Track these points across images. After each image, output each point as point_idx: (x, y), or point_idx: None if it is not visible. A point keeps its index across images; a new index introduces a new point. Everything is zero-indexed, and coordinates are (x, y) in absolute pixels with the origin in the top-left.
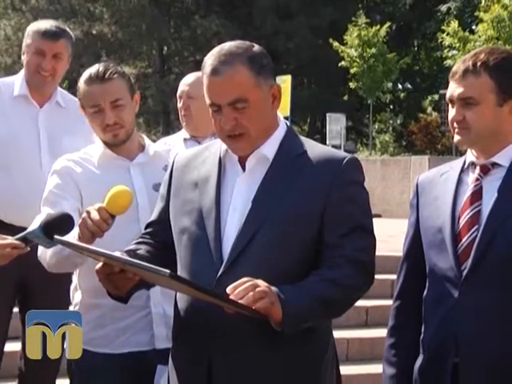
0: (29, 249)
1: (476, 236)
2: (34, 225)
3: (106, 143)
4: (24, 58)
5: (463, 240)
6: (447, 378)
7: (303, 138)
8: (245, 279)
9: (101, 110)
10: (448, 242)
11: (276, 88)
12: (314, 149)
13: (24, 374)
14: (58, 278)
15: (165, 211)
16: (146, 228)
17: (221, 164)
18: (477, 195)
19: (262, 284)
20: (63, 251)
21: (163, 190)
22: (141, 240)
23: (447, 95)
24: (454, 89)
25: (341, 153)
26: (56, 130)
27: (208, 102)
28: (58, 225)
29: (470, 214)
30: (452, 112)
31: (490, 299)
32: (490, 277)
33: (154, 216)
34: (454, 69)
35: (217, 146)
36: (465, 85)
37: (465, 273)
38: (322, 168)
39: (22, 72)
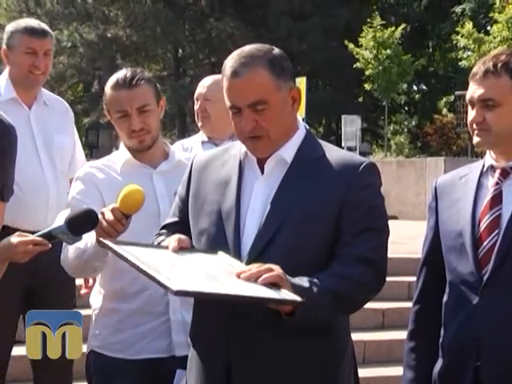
0: (50, 245)
1: (497, 240)
2: (58, 221)
3: (130, 149)
4: (8, 59)
5: (484, 244)
6: (468, 381)
7: (322, 142)
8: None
9: (127, 115)
10: (468, 247)
11: (296, 91)
12: (332, 152)
13: (40, 377)
14: (63, 283)
15: (183, 212)
16: (162, 229)
17: (241, 167)
18: (497, 199)
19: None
20: (83, 255)
21: (182, 191)
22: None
23: (467, 96)
24: (474, 90)
25: (359, 157)
26: (47, 130)
27: (228, 104)
28: (83, 220)
29: (491, 218)
30: (472, 113)
31: (510, 303)
32: (511, 281)
33: (171, 217)
34: (474, 70)
35: (237, 149)
36: (485, 86)
37: (485, 277)
38: (339, 172)
39: (5, 75)
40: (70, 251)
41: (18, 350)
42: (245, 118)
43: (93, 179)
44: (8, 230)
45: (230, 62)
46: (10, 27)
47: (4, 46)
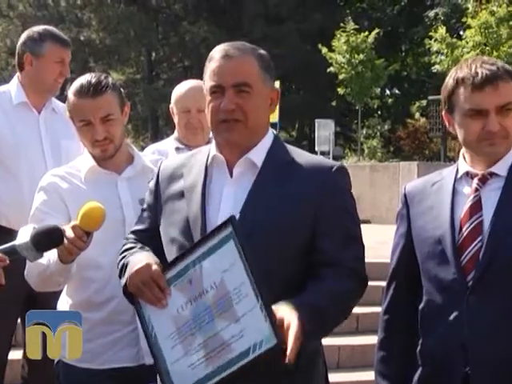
0: (8, 262)
1: (480, 247)
2: (22, 237)
3: (93, 156)
4: (31, 65)
5: (466, 252)
6: None
7: (290, 146)
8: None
9: (90, 124)
10: (449, 254)
11: (276, 92)
12: (301, 157)
13: (27, 382)
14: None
15: (151, 221)
16: (130, 234)
17: (207, 171)
18: (476, 206)
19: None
20: (46, 271)
21: (150, 199)
22: (136, 244)
23: (472, 106)
24: (484, 97)
25: (329, 161)
26: (55, 135)
27: (210, 84)
28: (49, 237)
29: (472, 225)
30: (487, 123)
31: (497, 308)
32: (497, 286)
33: (139, 225)
34: (476, 78)
35: (203, 154)
36: (501, 92)
37: (470, 284)
38: (311, 176)
39: (16, 79)
40: (33, 267)
41: (15, 354)
42: (227, 98)
43: (56, 189)
44: (11, 232)
45: (220, 48)
46: (34, 34)
47: (28, 53)
